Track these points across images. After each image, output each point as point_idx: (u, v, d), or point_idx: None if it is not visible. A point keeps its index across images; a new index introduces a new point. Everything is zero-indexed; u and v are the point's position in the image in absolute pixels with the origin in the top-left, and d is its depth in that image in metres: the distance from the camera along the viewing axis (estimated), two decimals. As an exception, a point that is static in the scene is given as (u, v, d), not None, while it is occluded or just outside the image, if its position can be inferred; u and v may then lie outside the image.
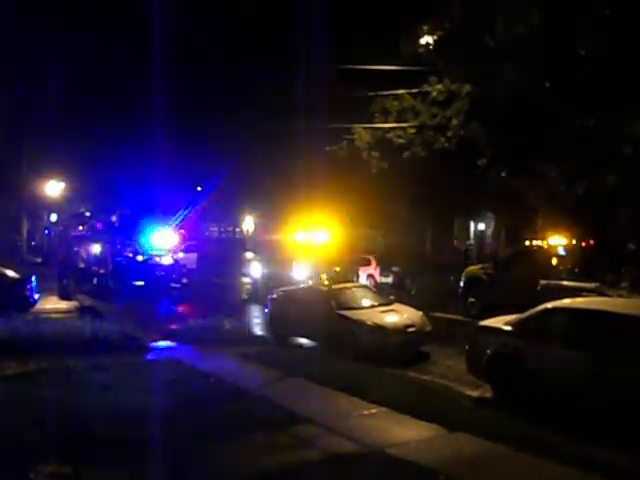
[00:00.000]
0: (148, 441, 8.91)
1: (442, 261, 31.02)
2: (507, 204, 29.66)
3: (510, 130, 24.73)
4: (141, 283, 27.91)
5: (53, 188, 46.10)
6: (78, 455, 8.46)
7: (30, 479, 7.77)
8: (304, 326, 17.83)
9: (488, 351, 11.83)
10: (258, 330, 21.48)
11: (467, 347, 12.75)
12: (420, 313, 17.18)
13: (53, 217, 56.81)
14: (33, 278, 23.81)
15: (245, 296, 29.71)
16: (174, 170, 47.54)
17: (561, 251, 23.12)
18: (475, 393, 12.39)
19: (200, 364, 14.62)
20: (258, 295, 27.54)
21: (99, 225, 67.29)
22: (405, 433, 9.69)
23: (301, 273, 31.39)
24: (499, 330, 11.93)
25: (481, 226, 42.24)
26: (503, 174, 27.38)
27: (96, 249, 33.69)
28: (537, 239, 29.87)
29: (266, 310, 20.44)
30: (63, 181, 47.75)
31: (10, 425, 9.39)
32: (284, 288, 21.54)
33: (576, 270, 20.64)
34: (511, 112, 24.24)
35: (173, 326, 19.61)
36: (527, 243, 30.72)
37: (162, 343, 17.57)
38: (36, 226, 56.29)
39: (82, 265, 30.78)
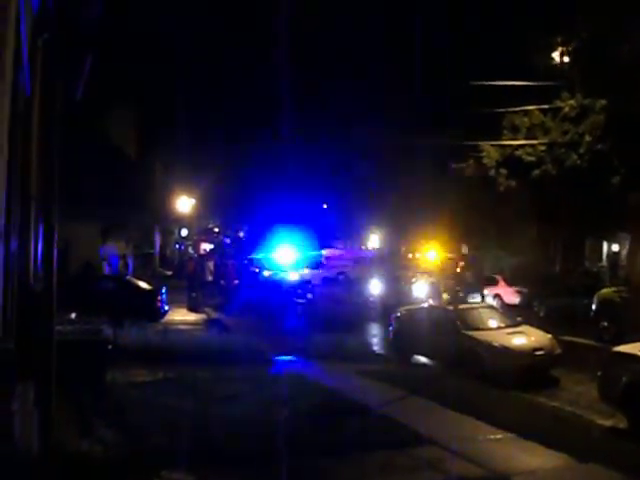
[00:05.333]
0: (269, 454, 8.92)
1: (572, 283, 29.75)
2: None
3: None
4: (266, 298, 28.32)
5: (184, 204, 47.65)
6: (200, 463, 8.57)
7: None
8: (428, 345, 17.59)
9: (624, 379, 11.18)
10: (380, 348, 21.36)
11: (600, 374, 12.10)
12: (549, 336, 16.55)
13: (184, 232, 58.75)
14: (163, 290, 24.65)
15: (368, 313, 29.65)
16: (301, 187, 48.30)
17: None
18: (607, 422, 11.74)
19: (323, 379, 14.64)
20: (380, 312, 27.41)
21: (227, 241, 69.32)
22: (532, 461, 9.28)
23: (423, 291, 31.07)
24: (636, 357, 11.26)
25: (615, 247, 40.51)
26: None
27: (224, 264, 34.61)
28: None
29: (390, 328, 20.27)
30: (194, 198, 49.37)
31: (137, 430, 9.65)
32: (408, 307, 21.38)
33: None
34: None
35: (297, 341, 19.78)
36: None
37: (286, 357, 17.73)
38: (168, 240, 58.35)
39: (209, 279, 31.60)
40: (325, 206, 60.57)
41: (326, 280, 36.01)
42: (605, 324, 21.54)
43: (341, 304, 30.89)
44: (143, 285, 24.85)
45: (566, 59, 27.51)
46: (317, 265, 39.93)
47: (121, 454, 8.62)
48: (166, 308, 24.57)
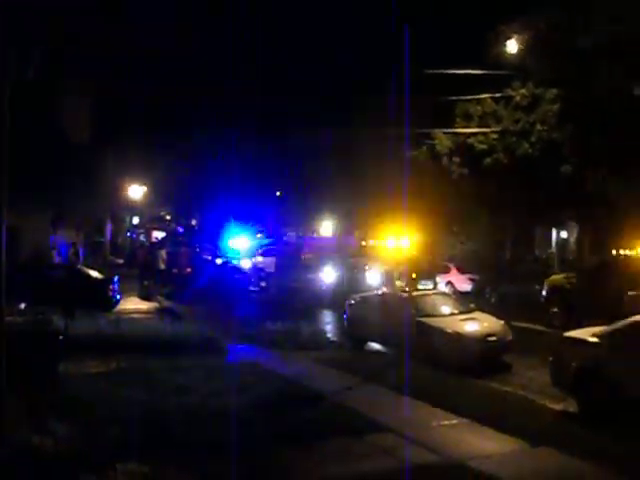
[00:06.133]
0: (224, 444, 8.87)
1: (523, 269, 30.24)
2: (593, 212, 28.74)
3: (606, 131, 23.92)
4: (219, 286, 28.14)
5: (136, 192, 47.12)
6: (155, 455, 8.51)
7: (108, 477, 7.84)
8: (382, 332, 17.67)
9: (573, 364, 11.40)
10: (335, 335, 21.39)
11: (551, 359, 12.31)
12: (501, 322, 16.77)
13: (135, 220, 58.08)
14: (115, 279, 24.36)
15: (321, 300, 29.67)
16: (253, 175, 48.09)
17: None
18: (559, 406, 11.97)
19: (277, 368, 14.62)
20: (334, 300, 27.46)
21: (179, 228, 68.73)
22: (487, 446, 9.42)
23: (376, 279, 31.17)
24: (586, 342, 11.48)
25: (563, 234, 41.27)
26: (589, 182, 26.57)
27: (176, 252, 34.27)
28: (625, 249, 28.89)
29: (344, 315, 20.32)
30: (145, 185, 48.77)
31: (89, 423, 9.51)
32: (362, 294, 21.41)
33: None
34: (608, 112, 23.44)
35: (251, 329, 19.69)
36: (614, 252, 29.75)
37: (240, 346, 17.64)
38: (119, 228, 57.58)
39: (162, 267, 31.29)
40: (278, 194, 60.44)
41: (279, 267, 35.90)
42: (555, 310, 21.93)
43: (295, 292, 30.83)
44: (94, 274, 24.50)
45: (521, 47, 27.68)
46: (270, 252, 39.77)
47: (74, 447, 8.49)
48: (118, 297, 24.29)
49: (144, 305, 26.20)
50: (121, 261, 45.80)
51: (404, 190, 34.39)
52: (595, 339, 11.35)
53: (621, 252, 28.92)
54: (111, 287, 23.64)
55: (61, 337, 12.05)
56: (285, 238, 59.19)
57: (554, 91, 26.28)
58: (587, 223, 31.25)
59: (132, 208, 52.45)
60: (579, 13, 23.87)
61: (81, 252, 37.16)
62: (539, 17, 25.77)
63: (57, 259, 31.50)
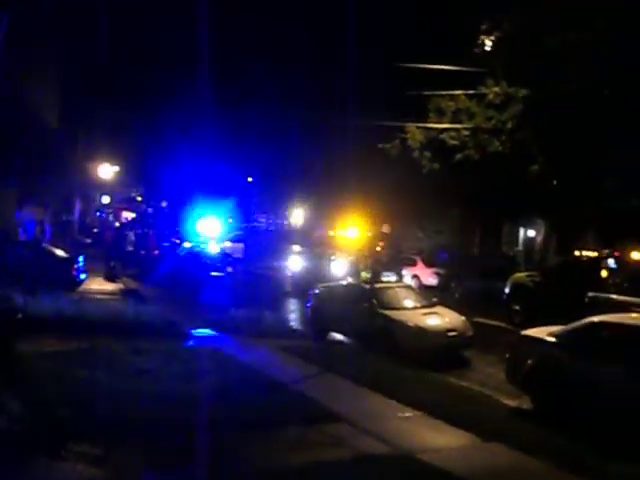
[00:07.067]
0: (180, 429, 8.87)
1: (488, 266, 30.45)
2: (559, 212, 29.03)
3: (565, 136, 24.21)
4: (185, 270, 28.04)
5: (106, 171, 46.71)
6: (110, 437, 8.49)
7: (61, 457, 7.82)
8: (345, 323, 17.75)
9: (529, 361, 11.55)
10: (297, 324, 21.46)
11: (508, 356, 12.48)
12: (463, 318, 16.90)
13: (105, 199, 57.60)
14: (80, 258, 24.20)
15: (287, 289, 29.73)
16: (226, 160, 47.89)
17: (612, 264, 22.46)
18: (513, 403, 12.11)
19: (238, 354, 14.66)
20: (298, 288, 27.52)
21: (149, 210, 68.24)
22: (439, 439, 9.54)
23: (341, 269, 31.30)
24: (542, 341, 11.64)
25: (531, 232, 41.64)
26: (555, 182, 26.85)
27: (144, 234, 34.11)
28: (589, 249, 29.20)
29: (307, 304, 20.36)
30: (117, 165, 48.35)
31: (44, 402, 9.46)
32: (327, 284, 21.48)
33: (625, 285, 19.95)
34: (567, 117, 23.72)
35: (214, 315, 19.67)
36: (577, 253, 30.06)
37: (202, 331, 17.64)
38: (88, 207, 57.07)
39: (130, 248, 31.13)
40: (250, 180, 60.28)
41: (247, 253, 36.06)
42: (517, 307, 22.08)
43: (261, 278, 30.89)
44: (59, 253, 24.30)
45: (490, 47, 27.90)
46: (238, 238, 39.76)
47: (27, 427, 8.45)
48: (83, 277, 24.14)
49: (109, 286, 26.07)
50: (89, 240, 45.43)
51: (375, 182, 34.49)
52: (551, 338, 11.52)
53: (584, 253, 29.22)
54: (76, 266, 23.47)
55: (20, 315, 11.97)
56: (255, 225, 59.15)
57: (525, 91, 26.45)
58: (553, 223, 31.55)
59: (102, 188, 52.03)
60: (538, 16, 24.11)
61: (49, 230, 36.86)
62: (505, 18, 26.01)
63: (23, 236, 31.18)
